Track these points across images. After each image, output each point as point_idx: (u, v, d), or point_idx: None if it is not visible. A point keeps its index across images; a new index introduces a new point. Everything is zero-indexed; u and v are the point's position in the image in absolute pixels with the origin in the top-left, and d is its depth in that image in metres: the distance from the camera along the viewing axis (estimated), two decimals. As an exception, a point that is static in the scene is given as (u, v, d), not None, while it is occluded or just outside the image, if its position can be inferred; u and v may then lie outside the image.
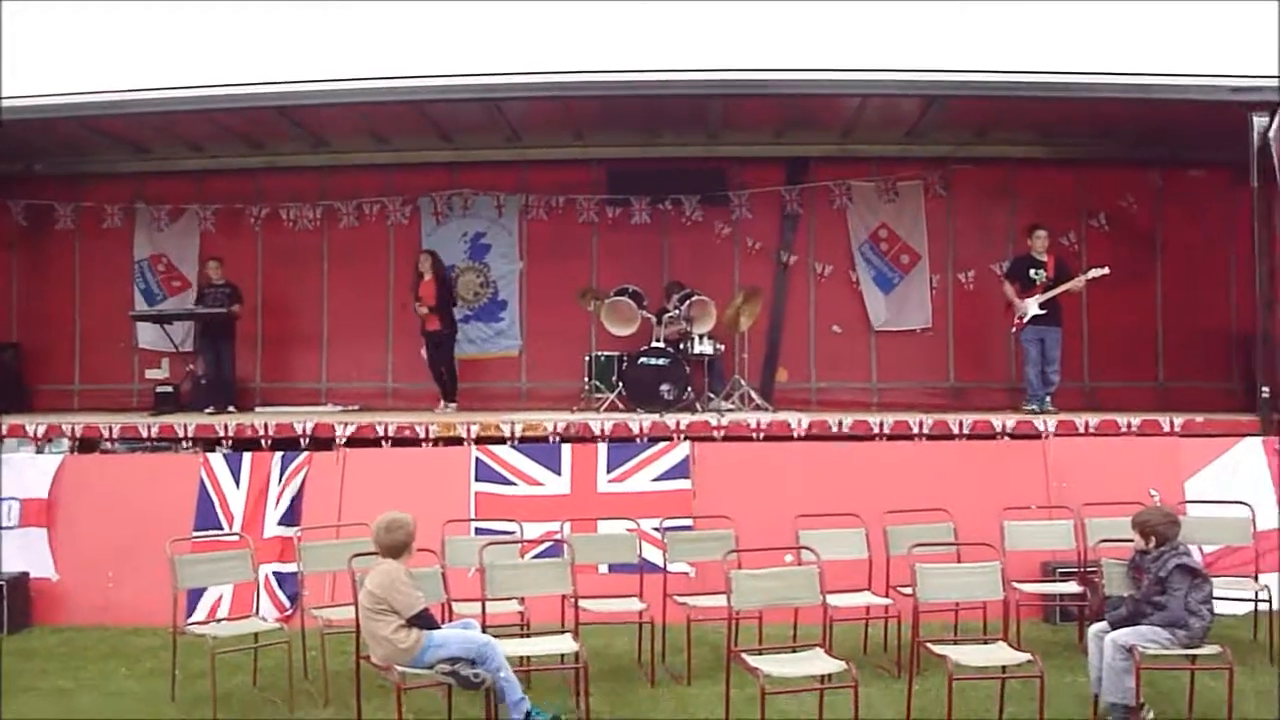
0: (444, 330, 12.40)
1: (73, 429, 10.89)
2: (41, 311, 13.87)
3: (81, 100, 10.85)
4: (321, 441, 10.25)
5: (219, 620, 8.11)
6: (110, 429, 10.82)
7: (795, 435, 10.39)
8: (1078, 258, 12.36)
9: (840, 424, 10.45)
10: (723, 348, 12.14)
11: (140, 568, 8.87)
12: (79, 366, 13.91)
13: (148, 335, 13.52)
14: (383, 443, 10.25)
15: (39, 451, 11.13)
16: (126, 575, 9.26)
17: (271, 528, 9.49)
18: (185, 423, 10.82)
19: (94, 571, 9.43)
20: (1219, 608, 6.76)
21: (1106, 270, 11.04)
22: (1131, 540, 6.74)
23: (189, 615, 8.69)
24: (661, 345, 11.54)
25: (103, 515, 9.61)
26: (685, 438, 10.00)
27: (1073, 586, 8.25)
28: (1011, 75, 10.42)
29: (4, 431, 10.80)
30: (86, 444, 11.32)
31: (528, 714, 6.15)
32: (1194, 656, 6.39)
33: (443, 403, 12.35)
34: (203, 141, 12.79)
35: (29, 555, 9.56)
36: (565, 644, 6.67)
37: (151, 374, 13.46)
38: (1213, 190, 12.40)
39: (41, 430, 10.83)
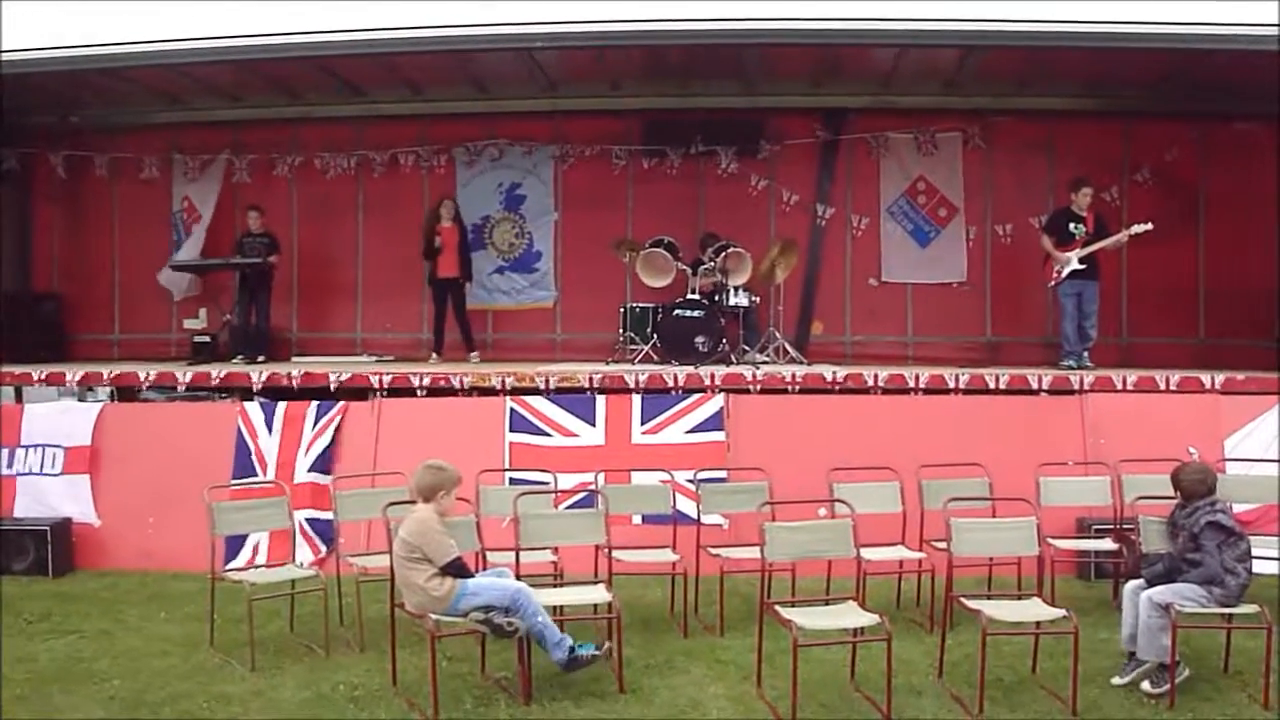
0: (461, 277, 12.46)
1: (108, 375, 11.03)
2: (81, 262, 14.03)
3: (114, 51, 10.88)
4: (356, 391, 10.31)
5: (257, 566, 8.20)
6: (146, 376, 10.94)
7: (830, 388, 10.36)
8: (1119, 213, 12.16)
9: (875, 377, 10.39)
10: (758, 300, 12.08)
11: (180, 514, 8.97)
12: (118, 316, 14.04)
13: (176, 284, 13.63)
14: (418, 393, 10.30)
15: (80, 400, 11.31)
16: (166, 521, 9.40)
17: (302, 474, 9.59)
18: (220, 372, 10.91)
19: (135, 517, 9.59)
20: (1257, 567, 6.69)
21: (1150, 226, 10.84)
22: (1170, 497, 6.69)
23: (229, 561, 8.83)
24: (696, 297, 11.50)
25: (143, 462, 9.76)
26: (720, 390, 9.98)
27: (1108, 543, 8.20)
28: (1051, 25, 10.23)
29: (44, 380, 10.95)
30: (125, 393, 11.49)
31: (572, 649, 6.16)
32: (1230, 615, 6.34)
33: (472, 354, 12.42)
34: (237, 92, 12.78)
35: (72, 501, 9.72)
36: (598, 594, 6.70)
37: (189, 324, 13.56)
38: (1260, 144, 12.13)
39: (79, 378, 10.97)
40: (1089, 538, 8.55)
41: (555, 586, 7.14)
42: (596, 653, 6.24)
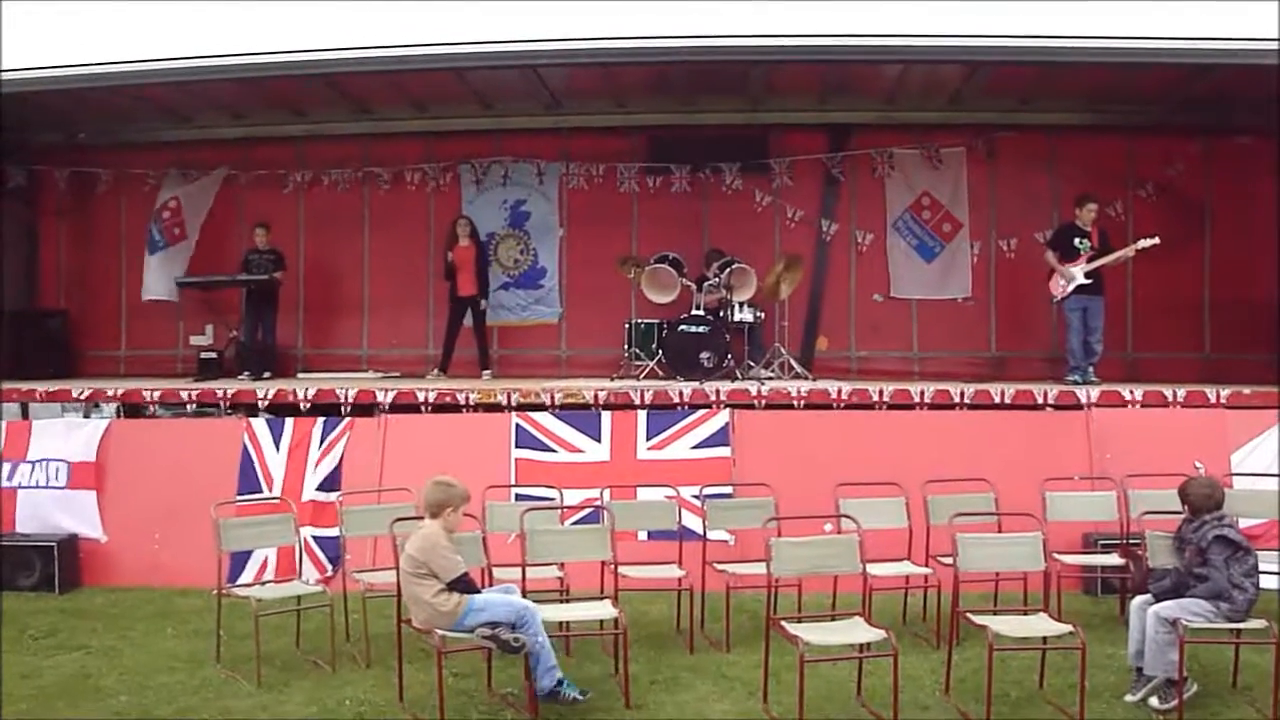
0: (479, 295, 12.46)
1: (115, 393, 11.05)
2: (88, 279, 14.08)
3: (120, 69, 10.93)
4: (362, 408, 10.33)
5: (264, 583, 8.20)
6: (152, 394, 10.96)
7: (835, 404, 10.35)
8: (1124, 228, 12.15)
9: (881, 393, 10.39)
10: (763, 315, 12.10)
11: (186, 530, 8.98)
12: (125, 333, 14.06)
13: (156, 286, 13.59)
14: (423, 409, 10.32)
15: (86, 416, 11.34)
16: (173, 537, 9.40)
17: (310, 492, 9.59)
18: (226, 388, 10.93)
19: (141, 534, 9.59)
20: (1265, 582, 6.66)
21: (1157, 240, 10.87)
22: (1177, 512, 6.68)
23: (234, 578, 8.81)
24: (702, 313, 11.52)
25: (149, 478, 9.77)
26: (725, 405, 9.98)
27: (1114, 558, 8.19)
28: (1055, 41, 10.26)
29: (49, 396, 10.98)
30: (131, 409, 11.52)
31: (559, 682, 6.17)
32: (1238, 630, 6.32)
33: (485, 372, 12.42)
34: (244, 109, 12.84)
35: (78, 517, 9.72)
36: (605, 610, 6.69)
37: (196, 340, 13.59)
38: (1263, 158, 12.13)
39: (85, 394, 10.99)
40: (1095, 553, 8.53)
41: (561, 602, 7.14)
42: (579, 698, 6.24)
